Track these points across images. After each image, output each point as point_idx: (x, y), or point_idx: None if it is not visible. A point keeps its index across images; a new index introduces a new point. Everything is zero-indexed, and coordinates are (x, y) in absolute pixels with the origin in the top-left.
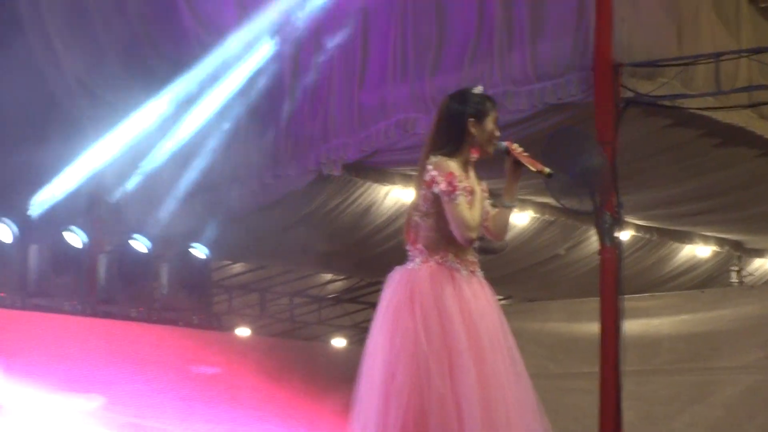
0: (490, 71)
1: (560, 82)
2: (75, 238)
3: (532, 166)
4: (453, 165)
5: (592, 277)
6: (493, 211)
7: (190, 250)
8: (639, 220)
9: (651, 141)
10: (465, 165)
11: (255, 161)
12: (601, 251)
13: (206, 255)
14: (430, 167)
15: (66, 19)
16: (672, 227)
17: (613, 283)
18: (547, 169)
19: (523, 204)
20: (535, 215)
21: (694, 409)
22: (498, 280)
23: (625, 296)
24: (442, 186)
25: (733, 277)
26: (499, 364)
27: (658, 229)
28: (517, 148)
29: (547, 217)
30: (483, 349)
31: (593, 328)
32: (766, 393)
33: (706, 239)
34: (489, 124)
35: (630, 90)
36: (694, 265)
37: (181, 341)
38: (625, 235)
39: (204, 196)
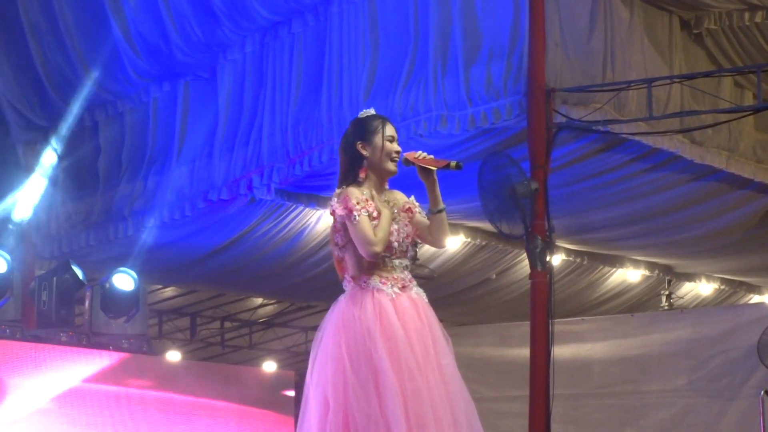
0: (423, 95)
1: (493, 107)
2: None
3: (435, 165)
4: (352, 191)
5: (524, 302)
6: (427, 223)
7: (118, 275)
8: (570, 244)
9: (583, 166)
10: (377, 188)
11: (186, 185)
12: (532, 275)
13: (134, 280)
14: (332, 200)
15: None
16: (603, 251)
17: (544, 307)
18: (453, 162)
19: (455, 228)
20: (466, 239)
21: None
22: (430, 304)
23: (556, 320)
24: (339, 211)
25: (663, 301)
26: (430, 380)
27: (589, 254)
28: (419, 156)
29: (478, 241)
30: (411, 366)
31: (524, 351)
32: (696, 416)
33: (636, 263)
34: (378, 141)
35: (562, 115)
36: (624, 289)
37: (111, 365)
38: (556, 260)
39: (132, 221)
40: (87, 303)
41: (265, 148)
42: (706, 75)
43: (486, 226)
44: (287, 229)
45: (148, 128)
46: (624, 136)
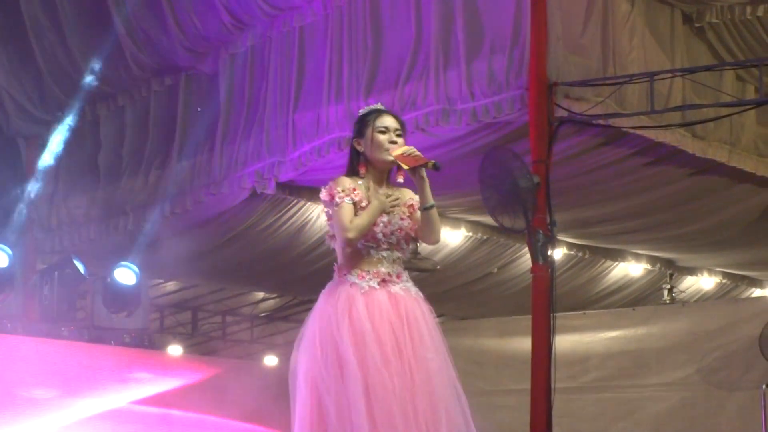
0: (425, 89)
1: (495, 101)
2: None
3: (413, 163)
4: (342, 179)
5: (525, 296)
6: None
7: (119, 269)
8: (572, 238)
9: (584, 159)
10: (377, 182)
11: (188, 179)
12: (534, 269)
13: (136, 274)
14: (322, 190)
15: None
16: (604, 245)
17: (546, 301)
18: (431, 162)
19: (456, 222)
20: (468, 234)
21: (621, 426)
22: (431, 298)
23: (558, 314)
24: (324, 197)
25: (665, 296)
26: (401, 374)
27: (590, 248)
28: (405, 152)
29: (480, 235)
30: (376, 359)
31: (524, 345)
32: (694, 410)
33: (638, 257)
34: (369, 134)
35: (564, 109)
36: (626, 283)
37: (113, 360)
38: (557, 253)
39: (133, 215)
40: (88, 297)
41: (267, 142)
42: (708, 69)
43: (488, 220)
44: (289, 223)
45: (149, 122)
46: (625, 130)
